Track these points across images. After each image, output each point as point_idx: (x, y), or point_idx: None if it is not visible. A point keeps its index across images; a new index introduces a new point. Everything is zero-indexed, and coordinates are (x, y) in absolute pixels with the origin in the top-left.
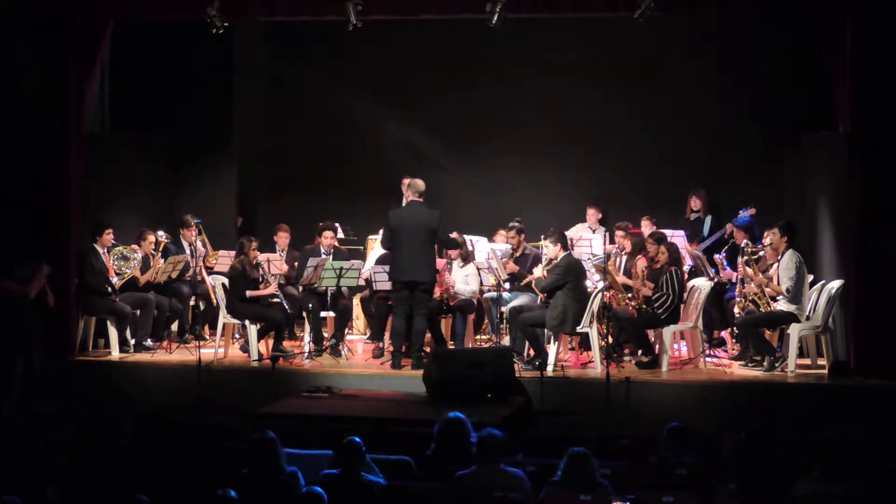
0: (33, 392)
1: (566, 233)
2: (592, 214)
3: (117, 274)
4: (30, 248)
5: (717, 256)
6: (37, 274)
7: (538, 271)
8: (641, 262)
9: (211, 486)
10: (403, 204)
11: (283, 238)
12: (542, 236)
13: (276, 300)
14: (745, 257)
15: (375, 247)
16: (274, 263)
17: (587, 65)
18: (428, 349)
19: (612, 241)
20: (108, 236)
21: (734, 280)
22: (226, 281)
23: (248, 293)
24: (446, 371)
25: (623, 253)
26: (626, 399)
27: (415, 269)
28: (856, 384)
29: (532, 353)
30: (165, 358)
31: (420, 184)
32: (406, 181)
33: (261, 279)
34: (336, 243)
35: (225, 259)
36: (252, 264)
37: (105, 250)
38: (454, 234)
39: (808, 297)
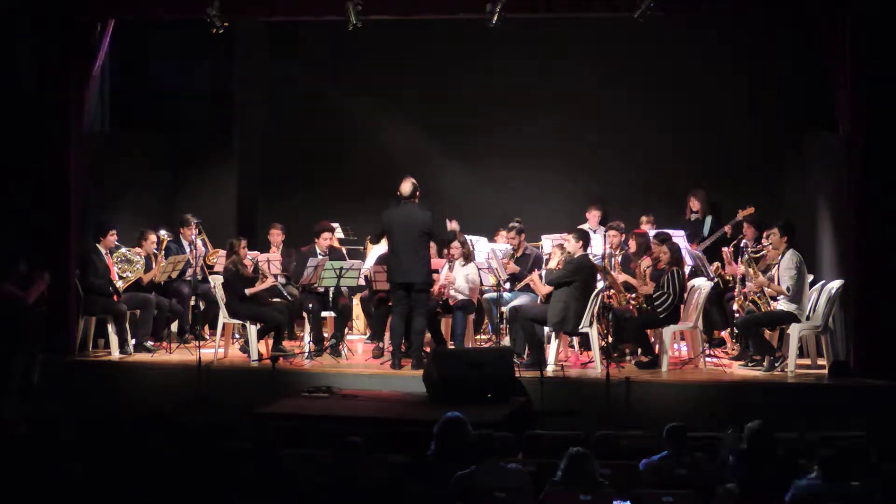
0: (33, 394)
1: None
2: (594, 215)
3: (120, 277)
4: (32, 254)
5: (724, 249)
6: (37, 281)
7: (553, 262)
8: (645, 262)
9: (212, 487)
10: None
11: (276, 236)
12: (567, 231)
13: (276, 299)
14: (746, 257)
15: (375, 247)
16: (273, 263)
17: (587, 65)
18: (428, 349)
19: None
20: (112, 237)
21: (738, 275)
22: None
23: (248, 291)
24: (446, 371)
25: (620, 253)
26: (626, 399)
27: (409, 271)
28: (856, 384)
29: (530, 351)
30: (165, 358)
31: (406, 187)
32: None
33: (255, 276)
34: (336, 243)
35: (225, 259)
36: (243, 263)
37: (108, 252)
38: (452, 226)
39: (808, 296)
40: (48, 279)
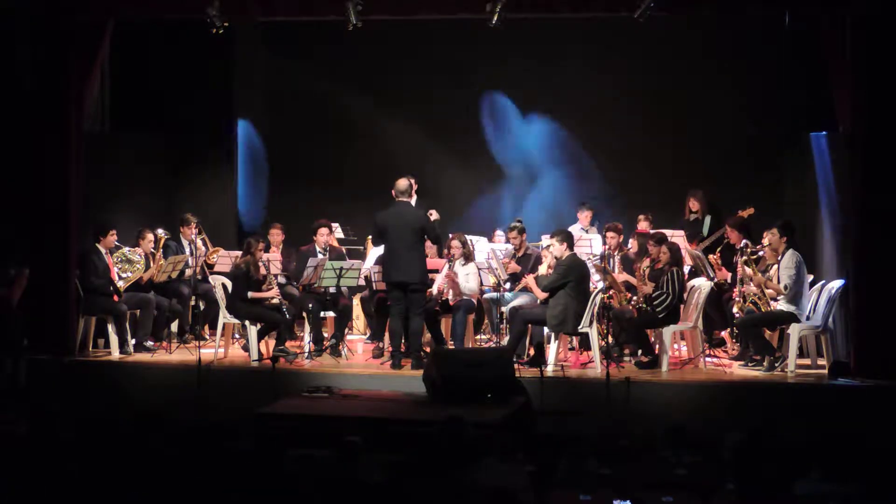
0: (23, 395)
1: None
2: (585, 216)
3: (120, 277)
4: (13, 250)
5: (711, 256)
6: (18, 278)
7: (543, 268)
8: (645, 262)
9: (212, 487)
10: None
11: (276, 236)
12: (550, 235)
13: (275, 301)
14: (745, 257)
15: (375, 247)
16: (275, 264)
17: (587, 65)
18: (428, 349)
19: (604, 242)
20: (112, 237)
21: (729, 280)
22: (226, 281)
23: (250, 294)
24: (446, 371)
25: (618, 254)
26: (626, 399)
27: (404, 270)
28: (856, 384)
29: (532, 352)
30: (165, 358)
31: (401, 183)
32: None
33: (264, 280)
34: (335, 242)
35: (225, 259)
36: (257, 265)
37: (107, 252)
38: (433, 215)
39: (807, 297)
40: (27, 274)
